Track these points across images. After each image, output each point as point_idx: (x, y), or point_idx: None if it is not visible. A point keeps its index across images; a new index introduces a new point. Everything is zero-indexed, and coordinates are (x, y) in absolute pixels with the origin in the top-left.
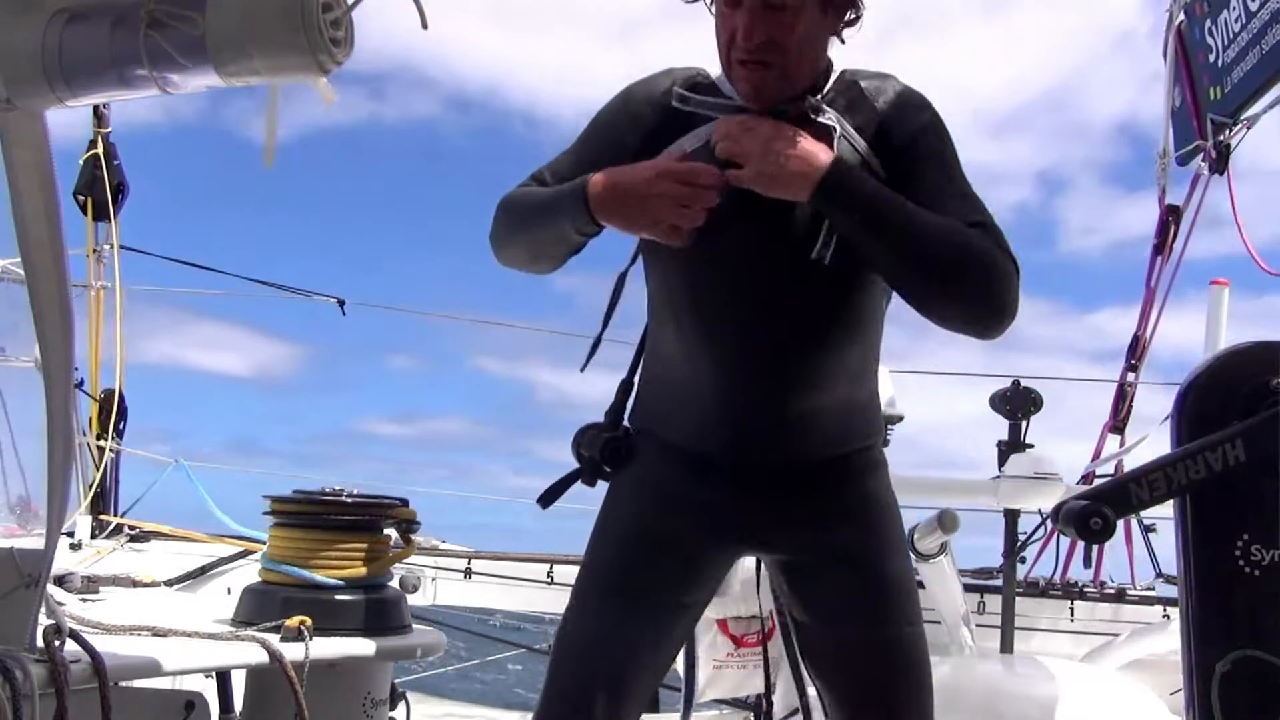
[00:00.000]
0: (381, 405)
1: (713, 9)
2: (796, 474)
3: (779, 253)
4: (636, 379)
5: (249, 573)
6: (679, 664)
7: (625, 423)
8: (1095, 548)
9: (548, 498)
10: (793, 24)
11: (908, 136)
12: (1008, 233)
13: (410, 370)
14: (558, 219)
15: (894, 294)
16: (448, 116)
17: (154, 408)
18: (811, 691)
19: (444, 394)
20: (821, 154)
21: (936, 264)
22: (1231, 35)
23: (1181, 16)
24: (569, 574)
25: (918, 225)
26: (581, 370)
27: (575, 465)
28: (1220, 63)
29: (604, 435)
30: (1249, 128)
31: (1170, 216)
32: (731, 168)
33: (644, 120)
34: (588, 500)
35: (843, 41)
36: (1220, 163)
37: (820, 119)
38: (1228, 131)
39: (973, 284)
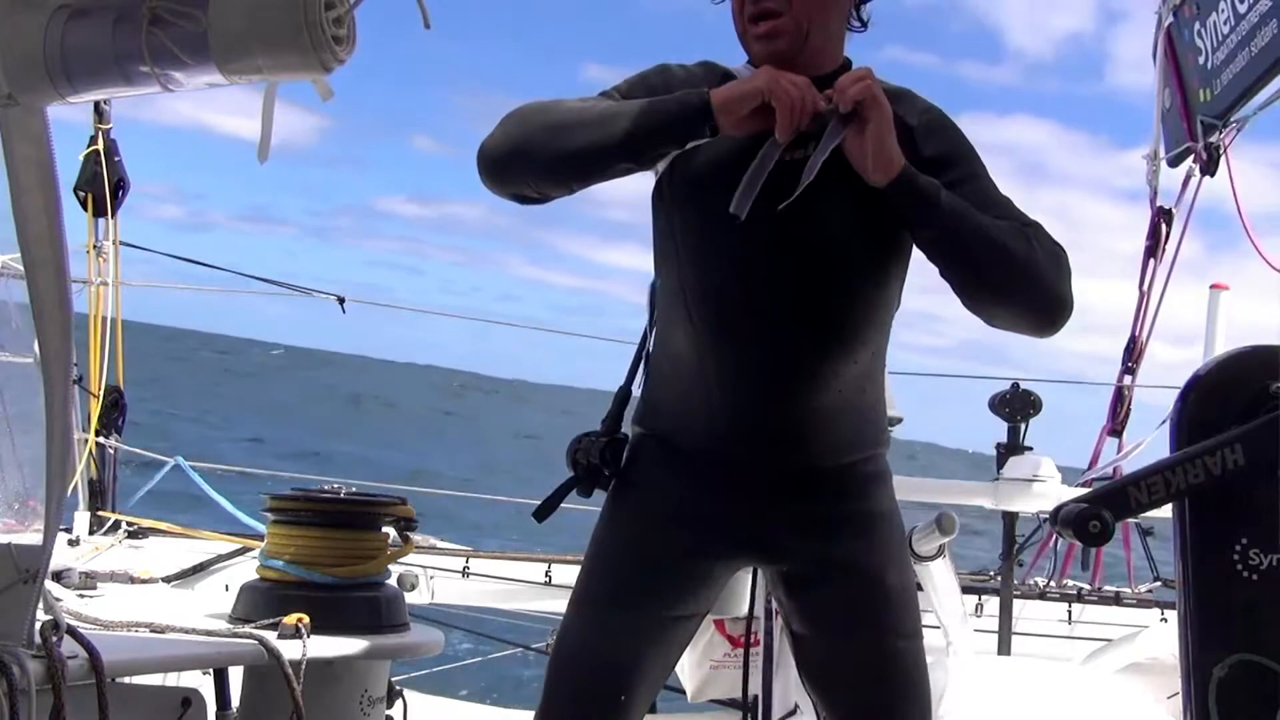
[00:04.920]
0: (401, 184)
1: None
2: (806, 481)
3: (799, 251)
4: (636, 387)
5: (247, 570)
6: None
7: (623, 431)
8: (1093, 551)
9: (543, 511)
10: None
11: (940, 155)
12: (1058, 66)
13: (432, 152)
14: (660, 124)
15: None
16: None
17: (175, 171)
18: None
19: (466, 177)
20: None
21: (1005, 258)
22: (1220, 37)
23: (1171, 18)
24: (567, 574)
25: (987, 222)
26: (628, 385)
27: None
28: (1210, 64)
29: (600, 440)
30: (1239, 129)
31: (1161, 219)
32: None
33: None
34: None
35: (862, 23)
36: (1211, 164)
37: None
38: (1218, 133)
39: (1039, 275)
